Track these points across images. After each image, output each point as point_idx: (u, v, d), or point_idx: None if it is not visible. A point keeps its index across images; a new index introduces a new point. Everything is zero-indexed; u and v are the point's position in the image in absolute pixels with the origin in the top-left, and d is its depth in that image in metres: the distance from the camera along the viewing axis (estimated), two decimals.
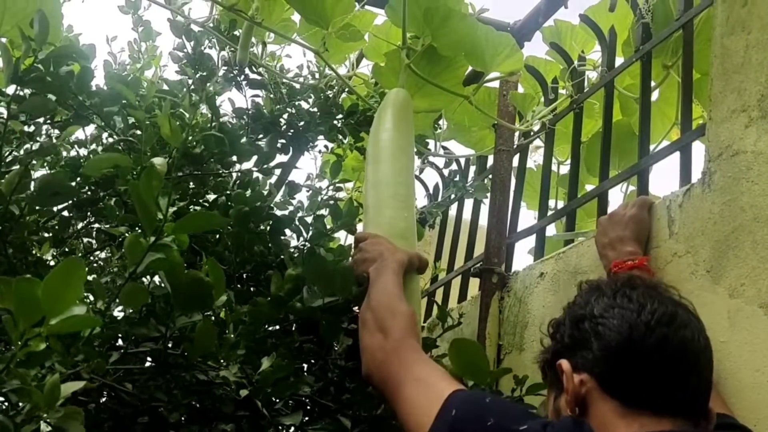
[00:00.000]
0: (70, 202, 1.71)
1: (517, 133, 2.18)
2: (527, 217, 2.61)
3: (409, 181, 1.68)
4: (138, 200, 0.94)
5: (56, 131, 1.90)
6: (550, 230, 2.09)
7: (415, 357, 1.14)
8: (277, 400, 1.36)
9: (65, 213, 1.76)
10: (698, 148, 1.59)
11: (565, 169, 2.37)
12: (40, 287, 0.74)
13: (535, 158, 2.41)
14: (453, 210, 2.60)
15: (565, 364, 0.95)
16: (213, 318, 1.41)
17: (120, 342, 1.29)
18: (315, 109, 2.20)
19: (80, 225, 1.88)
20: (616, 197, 2.36)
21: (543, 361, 1.04)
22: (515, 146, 2.18)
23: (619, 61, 1.96)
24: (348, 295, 1.42)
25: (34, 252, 1.27)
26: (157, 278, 1.25)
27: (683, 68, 1.67)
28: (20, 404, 0.88)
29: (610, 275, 1.37)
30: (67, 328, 0.76)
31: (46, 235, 1.71)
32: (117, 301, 1.08)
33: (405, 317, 1.23)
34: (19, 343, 0.78)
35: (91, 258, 2.07)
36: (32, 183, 1.17)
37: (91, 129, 1.95)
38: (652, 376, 0.90)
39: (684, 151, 1.56)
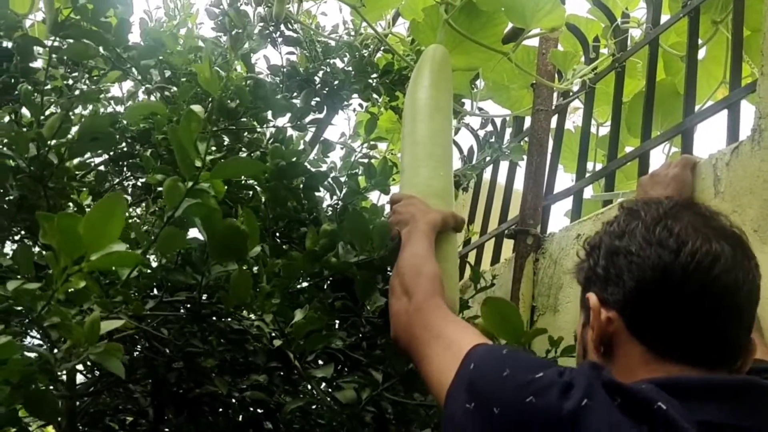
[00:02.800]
0: (107, 156, 1.73)
1: (555, 93, 2.13)
2: (564, 180, 2.56)
3: (447, 141, 1.65)
4: (177, 144, 0.94)
5: (93, 87, 1.92)
6: (588, 192, 2.05)
7: (439, 314, 1.11)
8: (310, 353, 1.36)
9: (101, 168, 1.78)
10: (746, 108, 1.54)
11: (603, 131, 2.32)
12: (82, 223, 0.74)
13: (574, 119, 2.36)
14: (487, 173, 2.57)
15: (593, 298, 0.89)
16: (247, 270, 1.42)
17: (155, 291, 1.31)
18: (350, 68, 2.17)
19: (116, 180, 1.90)
20: (657, 159, 2.31)
21: (578, 280, 0.98)
22: (554, 107, 2.13)
23: (664, 18, 1.89)
24: (384, 252, 1.41)
25: (73, 197, 1.28)
26: (191, 231, 1.26)
27: (734, 23, 1.61)
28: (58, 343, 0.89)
29: None
30: (108, 264, 0.76)
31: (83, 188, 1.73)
32: (153, 250, 1.09)
33: (429, 277, 1.20)
34: (60, 279, 0.78)
35: (127, 212, 2.10)
36: (72, 130, 1.18)
37: (127, 86, 1.96)
38: (686, 324, 0.83)
39: (732, 109, 1.50)
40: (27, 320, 0.87)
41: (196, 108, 1.13)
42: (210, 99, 1.49)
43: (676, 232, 0.84)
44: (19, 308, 0.84)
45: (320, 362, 1.43)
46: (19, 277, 0.97)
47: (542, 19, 1.76)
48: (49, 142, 1.11)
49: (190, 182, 0.98)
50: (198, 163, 1.00)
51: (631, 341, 0.86)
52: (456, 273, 1.49)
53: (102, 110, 1.93)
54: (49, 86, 1.42)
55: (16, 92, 1.44)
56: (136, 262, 0.83)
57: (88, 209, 1.70)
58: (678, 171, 1.39)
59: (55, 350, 0.91)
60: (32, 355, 0.87)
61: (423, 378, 1.07)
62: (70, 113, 1.60)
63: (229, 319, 1.28)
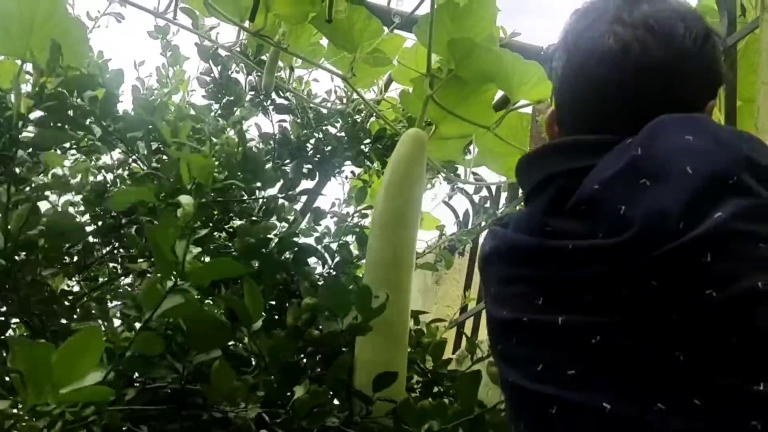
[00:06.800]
0: (95, 227, 1.70)
1: None
2: None
3: (407, 211, 1.58)
4: (155, 246, 0.90)
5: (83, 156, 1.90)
6: None
7: None
8: None
9: (90, 239, 1.75)
10: None
11: None
12: (55, 355, 0.70)
13: None
14: (483, 238, 2.54)
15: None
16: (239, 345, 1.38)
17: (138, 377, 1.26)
18: (342, 134, 2.16)
19: (105, 251, 1.86)
20: None
21: None
22: None
23: None
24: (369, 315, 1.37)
25: (47, 285, 1.24)
26: None
27: (726, 95, 1.59)
28: None
29: None
30: (77, 399, 0.73)
31: (68, 260, 1.69)
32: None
33: None
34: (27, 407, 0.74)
35: (116, 284, 2.06)
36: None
37: (117, 153, 1.94)
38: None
39: None
40: None
41: (184, 200, 1.10)
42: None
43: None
44: None
45: None
46: None
47: (529, 92, 1.76)
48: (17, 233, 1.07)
49: (170, 284, 0.95)
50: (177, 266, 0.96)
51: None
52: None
53: (92, 179, 1.92)
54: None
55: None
56: (107, 397, 0.79)
57: (73, 286, 1.66)
58: None
59: None
60: None
61: None
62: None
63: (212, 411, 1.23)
